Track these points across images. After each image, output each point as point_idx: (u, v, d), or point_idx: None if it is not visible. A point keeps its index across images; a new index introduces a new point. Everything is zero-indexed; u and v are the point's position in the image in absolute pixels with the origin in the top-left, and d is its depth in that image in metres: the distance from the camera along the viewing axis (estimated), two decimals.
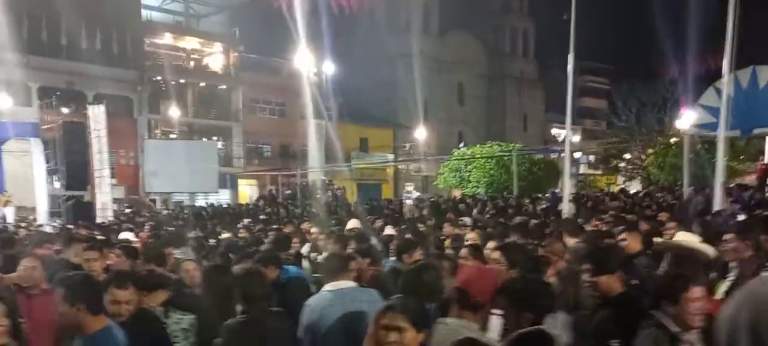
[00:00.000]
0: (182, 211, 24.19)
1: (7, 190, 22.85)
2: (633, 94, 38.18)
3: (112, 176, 25.35)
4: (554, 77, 55.96)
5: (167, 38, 40.35)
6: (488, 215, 14.38)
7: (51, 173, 23.55)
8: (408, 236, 7.44)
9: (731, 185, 18.07)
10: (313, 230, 9.75)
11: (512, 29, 62.09)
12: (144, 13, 39.62)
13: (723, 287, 4.53)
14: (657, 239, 5.34)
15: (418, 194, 33.22)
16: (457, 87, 59.04)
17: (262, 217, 17.33)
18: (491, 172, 29.32)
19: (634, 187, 34.80)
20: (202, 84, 41.50)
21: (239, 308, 4.95)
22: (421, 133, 41.92)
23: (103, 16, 33.73)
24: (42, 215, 22.35)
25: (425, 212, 18.15)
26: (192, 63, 41.90)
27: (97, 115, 23.00)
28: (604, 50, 50.49)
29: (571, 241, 6.43)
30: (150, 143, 35.11)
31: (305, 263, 7.69)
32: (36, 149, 23.02)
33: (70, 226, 15.92)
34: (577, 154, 40.13)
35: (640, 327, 3.02)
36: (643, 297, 3.51)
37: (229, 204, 30.88)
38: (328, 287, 4.37)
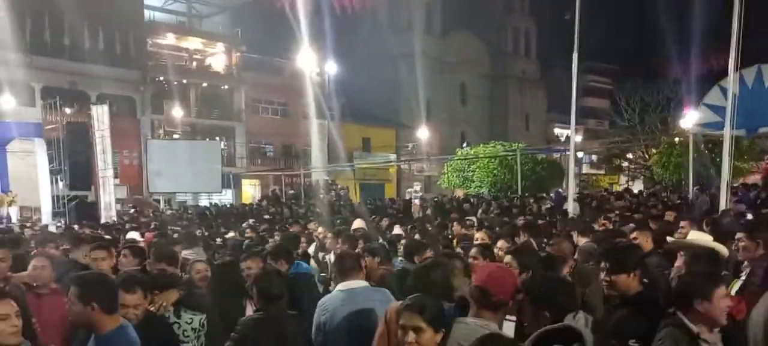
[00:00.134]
0: (186, 211, 24.18)
1: (11, 190, 22.83)
2: (636, 94, 38.11)
3: (116, 176, 25.33)
4: (556, 77, 55.92)
5: (170, 38, 40.36)
6: (492, 215, 14.37)
7: (54, 173, 23.52)
8: (417, 235, 7.41)
9: (735, 185, 18.00)
10: (319, 229, 9.74)
11: (514, 29, 62.06)
12: (147, 13, 39.64)
13: (736, 286, 4.53)
14: (670, 239, 5.31)
15: (422, 193, 33.19)
16: (459, 87, 59.01)
17: (266, 217, 17.30)
18: (494, 172, 29.29)
19: (637, 187, 34.77)
20: (205, 84, 41.49)
21: (249, 305, 5.00)
22: (423, 133, 41.92)
23: (106, 16, 33.73)
24: (46, 215, 22.35)
25: (429, 211, 18.16)
26: (194, 63, 41.90)
27: (100, 116, 23.01)
28: (606, 50, 50.39)
29: (581, 240, 6.42)
30: (153, 143, 35.13)
31: (312, 263, 7.68)
32: (39, 149, 23.01)
33: (74, 226, 15.91)
34: (580, 154, 40.13)
35: (660, 327, 2.99)
36: (658, 296, 3.50)
37: (232, 204, 30.89)
38: (340, 286, 4.36)
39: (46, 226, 18.01)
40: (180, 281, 4.98)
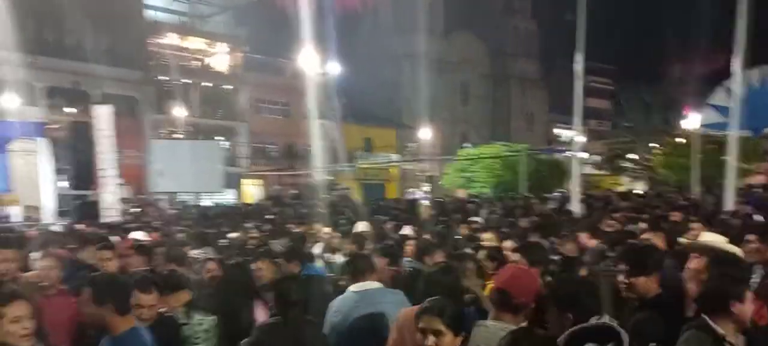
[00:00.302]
0: (188, 211, 24.14)
1: (13, 189, 22.81)
2: (638, 95, 38.11)
3: (118, 176, 25.27)
4: (558, 78, 55.94)
5: (172, 38, 40.37)
6: (496, 215, 14.31)
7: (57, 172, 23.49)
8: (426, 236, 7.36)
9: (740, 186, 17.95)
10: (325, 230, 9.68)
11: (516, 29, 62.01)
12: (149, 13, 39.66)
13: None
14: (682, 240, 5.26)
15: (432, 195, 33.13)
16: (460, 87, 58.98)
17: (268, 217, 17.23)
18: (497, 172, 29.25)
19: (639, 187, 34.73)
20: (207, 84, 41.48)
21: (257, 308, 4.96)
22: (424, 134, 41.85)
23: (108, 16, 33.73)
24: (48, 215, 22.31)
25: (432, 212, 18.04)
26: (197, 63, 41.91)
27: (103, 115, 22.94)
28: (607, 51, 50.39)
29: (591, 242, 6.38)
30: (156, 143, 35.11)
31: (318, 263, 7.63)
32: (42, 149, 22.97)
33: (79, 226, 15.84)
34: (582, 154, 40.00)
35: (684, 329, 2.95)
36: (677, 299, 3.46)
37: (235, 204, 30.85)
38: (353, 288, 4.32)
39: (49, 225, 17.97)
40: (190, 282, 4.95)
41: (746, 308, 2.97)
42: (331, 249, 8.10)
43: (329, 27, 35.08)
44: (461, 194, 30.44)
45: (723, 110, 14.43)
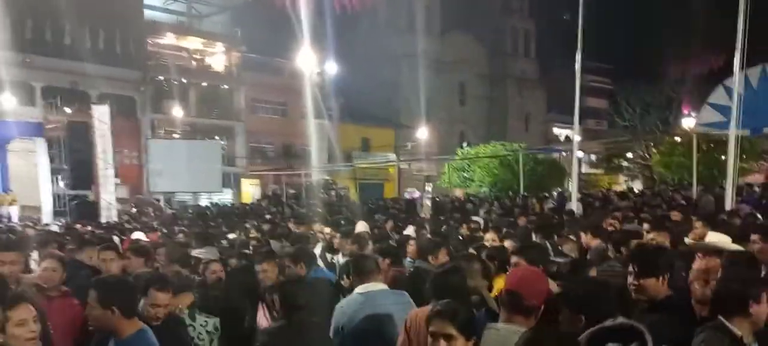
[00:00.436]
0: (186, 210, 24.12)
1: (11, 189, 22.77)
2: (636, 94, 38.08)
3: (116, 176, 25.27)
4: (555, 77, 55.95)
5: (170, 38, 40.30)
6: (494, 215, 14.30)
7: (55, 172, 23.48)
8: (429, 236, 7.33)
9: (739, 185, 17.96)
10: (326, 230, 9.65)
11: (513, 29, 61.98)
12: (146, 13, 39.56)
13: None
14: (688, 240, 5.24)
15: (420, 193, 33.10)
16: (458, 87, 58.97)
17: (267, 217, 17.22)
18: (495, 171, 29.25)
19: (636, 186, 34.75)
20: (205, 84, 41.40)
21: (261, 311, 4.94)
22: (422, 133, 41.81)
23: (106, 16, 33.69)
24: (46, 215, 22.29)
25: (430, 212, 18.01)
26: (194, 63, 41.82)
27: (101, 115, 22.94)
28: (605, 50, 50.36)
29: (594, 241, 6.35)
30: (153, 143, 35.08)
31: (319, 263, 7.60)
32: (40, 149, 22.96)
33: (76, 226, 15.81)
34: (580, 154, 40.02)
35: (698, 331, 2.92)
36: (688, 300, 3.43)
37: (233, 204, 30.82)
38: (359, 289, 4.27)
39: (48, 225, 17.94)
40: (194, 283, 4.92)
41: (763, 308, 2.95)
42: (331, 249, 8.07)
43: (326, 27, 35.15)
44: (459, 193, 30.44)
45: (722, 109, 14.41)
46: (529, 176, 26.97)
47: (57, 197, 23.99)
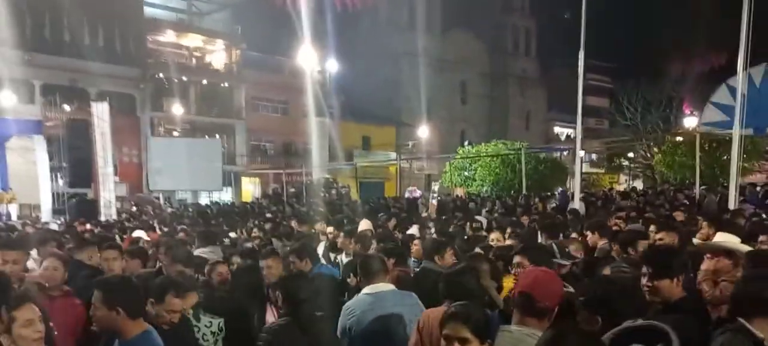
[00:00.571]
0: (187, 209, 24.06)
1: (10, 187, 22.70)
2: (638, 93, 38.01)
3: (115, 174, 25.22)
4: (556, 76, 55.96)
5: (170, 36, 40.20)
6: (496, 214, 14.24)
7: (54, 170, 23.41)
8: (435, 236, 7.27)
9: (742, 185, 17.92)
10: (329, 229, 9.59)
11: (514, 28, 62.00)
12: (147, 10, 39.47)
13: None
14: (696, 240, 5.19)
15: (421, 192, 33.07)
16: (459, 85, 58.99)
17: (268, 216, 17.16)
18: (497, 170, 29.21)
19: (637, 186, 34.71)
20: (205, 82, 41.30)
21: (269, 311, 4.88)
22: (423, 132, 41.74)
23: (106, 13, 33.62)
24: (45, 213, 22.25)
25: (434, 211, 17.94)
26: (194, 60, 41.75)
27: (100, 113, 22.86)
28: (606, 49, 50.28)
29: (600, 241, 6.29)
30: (154, 141, 35.04)
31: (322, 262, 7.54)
32: (39, 147, 22.91)
33: (75, 223, 15.76)
34: (581, 153, 39.96)
35: (717, 333, 2.85)
36: (703, 302, 3.38)
37: (233, 202, 30.76)
38: (366, 290, 4.23)
39: (47, 223, 17.88)
40: (198, 283, 4.87)
41: None
42: (334, 248, 8.02)
43: (327, 25, 35.10)
44: (460, 192, 30.39)
45: (725, 109, 14.36)
46: (531, 175, 26.94)
47: (56, 195, 23.90)
